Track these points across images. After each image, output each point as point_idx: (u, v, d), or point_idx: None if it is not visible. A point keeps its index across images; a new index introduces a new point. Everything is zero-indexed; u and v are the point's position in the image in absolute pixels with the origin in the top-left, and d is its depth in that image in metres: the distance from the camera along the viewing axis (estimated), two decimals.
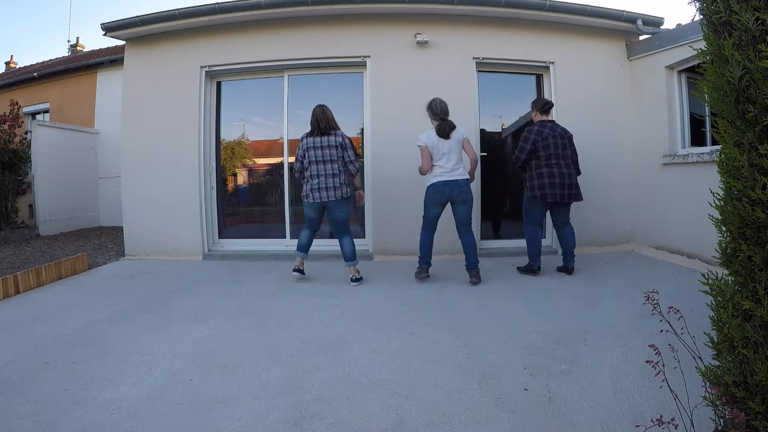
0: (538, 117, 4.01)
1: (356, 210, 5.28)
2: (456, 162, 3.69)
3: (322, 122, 3.69)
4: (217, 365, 2.29)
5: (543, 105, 4.00)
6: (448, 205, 3.79)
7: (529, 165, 3.92)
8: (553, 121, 3.98)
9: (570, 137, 3.95)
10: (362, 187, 3.92)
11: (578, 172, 4.03)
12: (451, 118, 4.79)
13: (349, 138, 3.75)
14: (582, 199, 3.95)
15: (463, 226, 3.78)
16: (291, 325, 2.88)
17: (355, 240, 5.13)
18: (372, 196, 4.88)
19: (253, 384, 2.08)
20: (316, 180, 3.68)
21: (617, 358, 2.26)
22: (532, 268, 4.05)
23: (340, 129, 3.78)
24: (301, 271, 3.97)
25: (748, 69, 1.24)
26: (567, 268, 4.02)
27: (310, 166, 3.70)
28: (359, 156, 3.86)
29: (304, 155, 3.72)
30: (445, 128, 3.69)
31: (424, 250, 3.87)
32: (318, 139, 3.68)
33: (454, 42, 4.94)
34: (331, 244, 5.18)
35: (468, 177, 3.75)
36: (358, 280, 3.86)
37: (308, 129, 3.78)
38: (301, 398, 1.94)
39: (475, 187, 4.94)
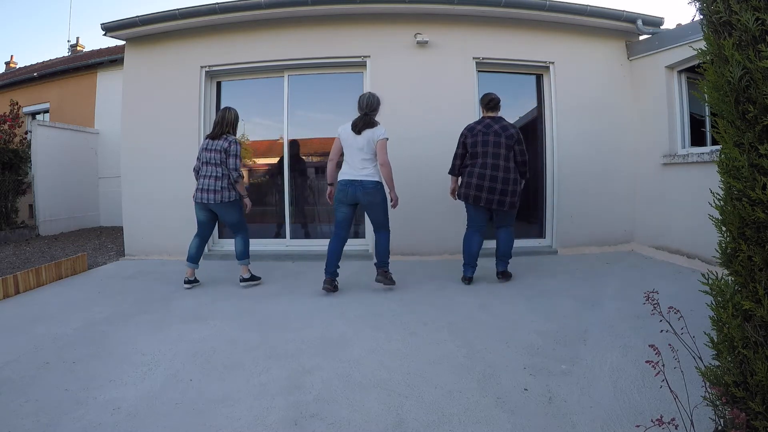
0: (483, 113, 3.74)
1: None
2: (364, 162, 3.44)
3: (217, 127, 3.69)
4: (217, 365, 2.29)
5: (488, 102, 3.71)
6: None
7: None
8: (493, 118, 3.66)
9: (511, 135, 3.55)
10: (247, 195, 3.86)
11: (524, 175, 3.68)
12: (451, 117, 4.84)
13: (239, 146, 3.67)
14: (513, 208, 3.60)
15: (378, 227, 3.60)
16: (291, 325, 2.88)
17: (354, 240, 5.18)
18: None
19: (253, 384, 2.08)
20: (202, 180, 3.68)
21: (617, 358, 2.26)
22: (464, 277, 3.77)
23: (233, 135, 3.73)
24: (193, 281, 3.83)
25: (748, 69, 1.24)
26: (498, 273, 3.73)
27: (202, 167, 3.72)
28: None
29: (199, 155, 3.74)
30: (358, 123, 3.45)
31: (328, 256, 3.54)
32: (211, 141, 3.69)
33: (454, 42, 4.94)
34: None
35: (377, 179, 3.47)
36: (246, 280, 3.78)
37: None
38: (301, 398, 1.94)
39: None
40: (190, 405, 1.90)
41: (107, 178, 8.16)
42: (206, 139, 3.75)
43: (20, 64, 13.15)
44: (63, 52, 18.99)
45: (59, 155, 7.43)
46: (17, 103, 7.12)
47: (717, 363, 1.38)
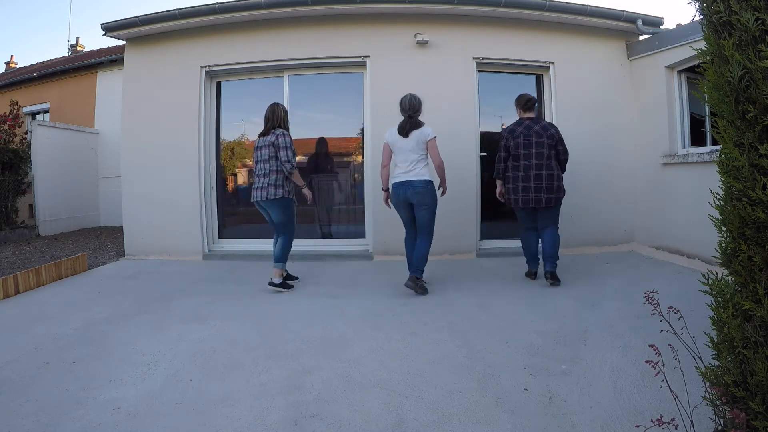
0: (520, 115, 3.77)
1: (356, 211, 5.28)
2: (413, 163, 3.49)
3: (268, 122, 3.66)
4: (217, 365, 2.29)
5: (525, 102, 3.72)
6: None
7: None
8: (531, 119, 3.69)
9: (552, 135, 3.60)
10: (305, 186, 3.78)
11: (563, 171, 3.74)
12: (451, 117, 4.85)
13: (287, 137, 3.59)
14: (552, 206, 3.63)
15: (421, 230, 3.60)
16: (291, 325, 2.88)
17: (355, 240, 5.19)
18: (372, 196, 4.88)
19: (253, 384, 2.08)
20: (255, 179, 3.68)
21: (617, 358, 2.26)
22: (528, 272, 3.96)
23: (283, 128, 3.65)
24: (283, 281, 3.78)
25: (748, 69, 1.24)
26: (545, 273, 3.67)
27: (255, 166, 3.72)
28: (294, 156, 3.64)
29: (254, 155, 3.73)
30: (405, 126, 3.52)
31: (407, 254, 3.73)
32: (261, 138, 3.68)
33: (454, 42, 4.94)
34: (330, 244, 5.20)
35: (426, 178, 3.49)
36: (275, 285, 3.62)
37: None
38: (301, 398, 1.94)
39: (474, 187, 4.94)
40: (190, 405, 1.90)
41: (107, 178, 8.15)
42: (258, 137, 3.72)
43: (20, 64, 13.15)
44: (63, 52, 18.96)
45: (59, 155, 7.43)
46: (17, 103, 7.11)
47: (717, 363, 1.38)
